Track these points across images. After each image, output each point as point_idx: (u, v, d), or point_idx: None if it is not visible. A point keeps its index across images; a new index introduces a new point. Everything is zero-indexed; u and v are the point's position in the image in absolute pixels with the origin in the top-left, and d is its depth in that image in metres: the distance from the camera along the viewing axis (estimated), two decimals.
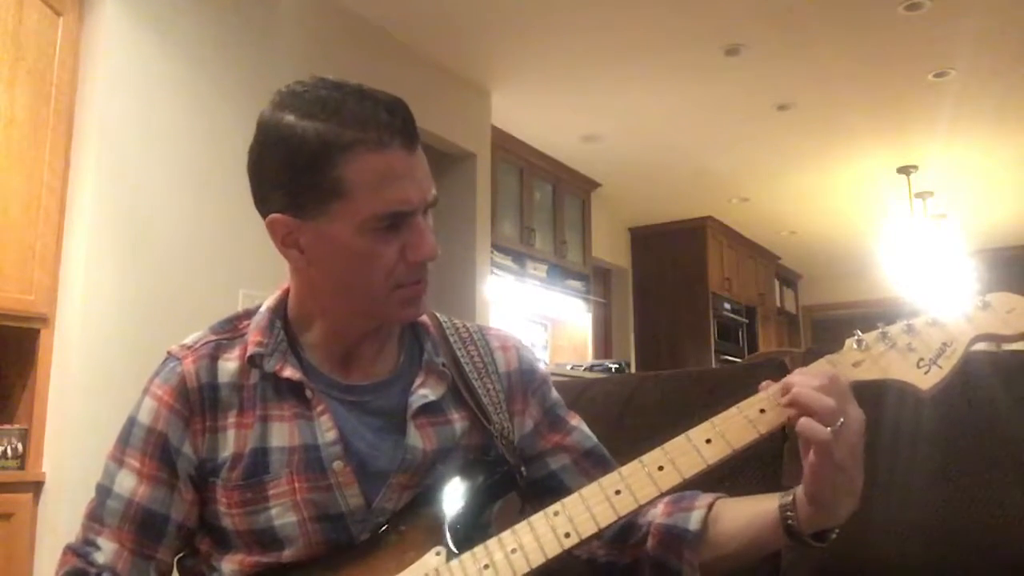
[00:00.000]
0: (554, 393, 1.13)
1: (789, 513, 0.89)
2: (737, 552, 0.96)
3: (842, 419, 0.82)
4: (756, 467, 1.23)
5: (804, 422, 0.83)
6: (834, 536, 0.90)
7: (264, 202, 0.95)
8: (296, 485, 0.95)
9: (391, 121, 0.90)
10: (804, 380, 0.85)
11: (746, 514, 0.95)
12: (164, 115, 2.97)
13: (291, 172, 0.91)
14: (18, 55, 2.65)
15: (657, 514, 1.01)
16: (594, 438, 1.11)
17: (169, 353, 1.02)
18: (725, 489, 1.03)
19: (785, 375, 0.90)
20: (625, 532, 1.03)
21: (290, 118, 0.90)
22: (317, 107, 0.90)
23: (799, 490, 0.89)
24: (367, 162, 0.89)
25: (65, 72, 2.78)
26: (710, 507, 0.99)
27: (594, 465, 1.06)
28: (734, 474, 1.02)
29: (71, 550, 0.98)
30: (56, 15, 2.77)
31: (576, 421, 1.12)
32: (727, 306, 7.08)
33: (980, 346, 0.88)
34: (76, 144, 2.79)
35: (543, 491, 1.02)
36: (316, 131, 0.89)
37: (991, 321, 0.87)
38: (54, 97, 2.74)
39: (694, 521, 0.98)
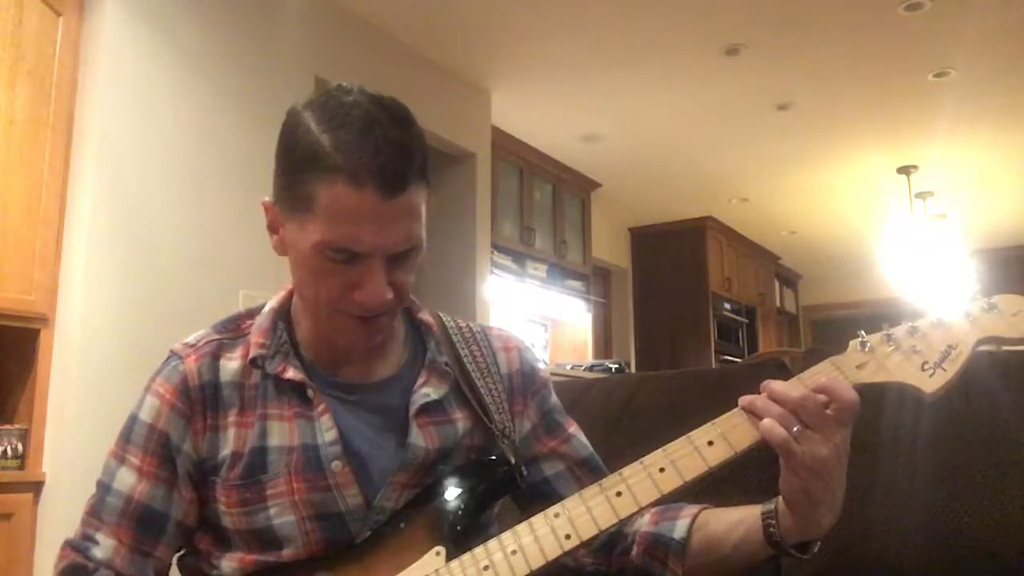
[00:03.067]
0: (553, 397, 1.13)
1: (770, 521, 0.89)
2: (721, 560, 0.95)
3: (797, 427, 0.83)
4: (756, 470, 1.23)
5: (764, 423, 0.84)
6: (815, 549, 0.90)
7: (272, 183, 0.96)
8: (294, 485, 0.95)
9: (380, 163, 0.87)
10: (763, 403, 0.87)
11: (729, 522, 0.95)
12: (164, 115, 2.97)
13: (284, 167, 0.92)
14: (18, 55, 2.65)
15: (643, 523, 1.01)
16: (590, 448, 1.11)
17: (172, 351, 1.02)
18: (724, 491, 1.03)
19: (785, 375, 0.90)
20: (612, 542, 1.04)
21: (307, 116, 0.91)
22: (327, 116, 0.89)
23: (780, 501, 0.89)
24: (337, 192, 0.87)
25: (65, 72, 2.78)
26: (695, 516, 0.99)
27: (588, 474, 1.06)
28: (734, 476, 1.02)
29: (70, 545, 0.98)
30: (56, 15, 2.77)
31: (574, 429, 1.12)
32: (727, 306, 7.08)
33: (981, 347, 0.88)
34: (76, 144, 2.78)
35: (535, 496, 1.02)
36: (311, 140, 0.89)
37: (997, 323, 0.86)
38: (54, 97, 2.74)
39: (679, 530, 0.98)
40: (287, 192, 0.92)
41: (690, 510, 1.00)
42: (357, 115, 0.89)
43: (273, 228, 0.97)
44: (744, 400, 0.88)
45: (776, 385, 0.87)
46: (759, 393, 0.89)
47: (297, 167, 0.90)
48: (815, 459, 0.83)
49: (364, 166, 0.86)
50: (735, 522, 0.94)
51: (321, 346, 1.02)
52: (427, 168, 0.93)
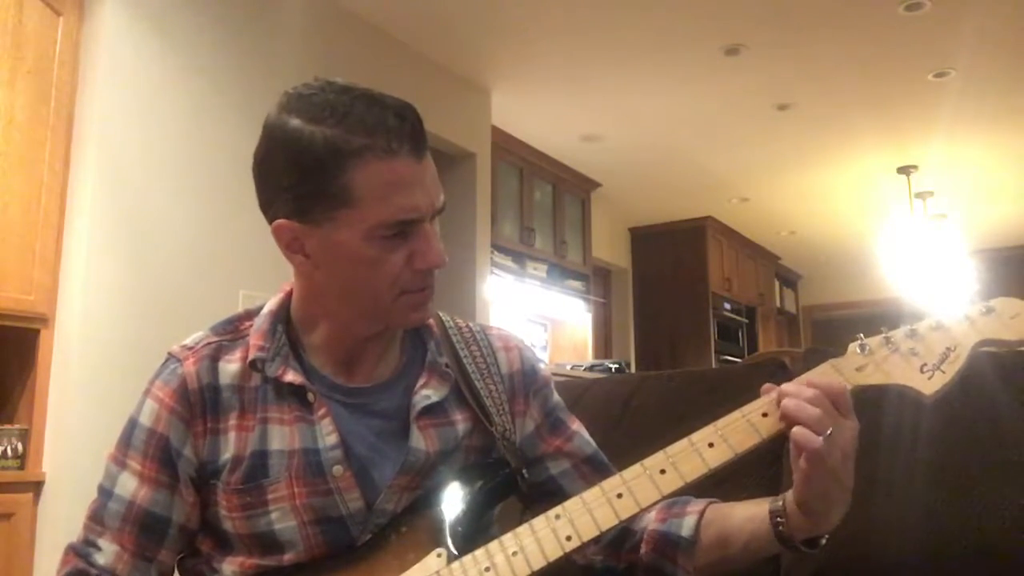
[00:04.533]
0: (555, 396, 1.13)
1: (779, 519, 0.90)
2: (731, 557, 0.96)
3: (831, 429, 0.83)
4: (757, 469, 1.23)
5: (797, 431, 0.83)
6: (823, 542, 0.90)
7: (269, 206, 0.94)
8: (295, 490, 0.95)
9: (400, 127, 0.89)
10: (795, 390, 0.86)
11: (738, 520, 0.95)
12: (164, 115, 2.97)
13: (297, 177, 0.90)
14: (18, 55, 2.65)
15: (651, 520, 1.01)
16: (594, 444, 1.11)
17: (170, 354, 1.02)
18: (725, 491, 1.03)
19: (785, 375, 0.90)
20: (620, 538, 1.03)
21: (297, 122, 0.89)
22: (325, 111, 0.89)
23: (789, 496, 0.89)
24: (375, 169, 0.88)
25: (65, 72, 2.78)
26: (702, 513, 0.99)
27: (594, 471, 1.06)
28: (735, 476, 1.02)
29: (72, 550, 0.98)
30: (56, 15, 2.77)
31: (577, 426, 1.12)
32: (727, 306, 7.08)
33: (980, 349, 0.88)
34: (76, 144, 2.78)
35: (541, 495, 1.02)
36: (323, 136, 0.88)
37: (994, 326, 0.87)
38: (54, 97, 2.74)
39: (687, 527, 0.98)
40: (312, 199, 0.90)
41: (696, 506, 1.00)
42: (350, 99, 0.90)
43: (295, 248, 0.94)
44: (780, 410, 0.86)
45: (820, 379, 0.86)
46: (759, 394, 0.89)
47: (317, 170, 0.89)
48: (839, 461, 0.83)
49: (390, 135, 0.88)
50: (744, 520, 0.94)
51: (334, 349, 1.01)
52: None
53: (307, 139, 0.88)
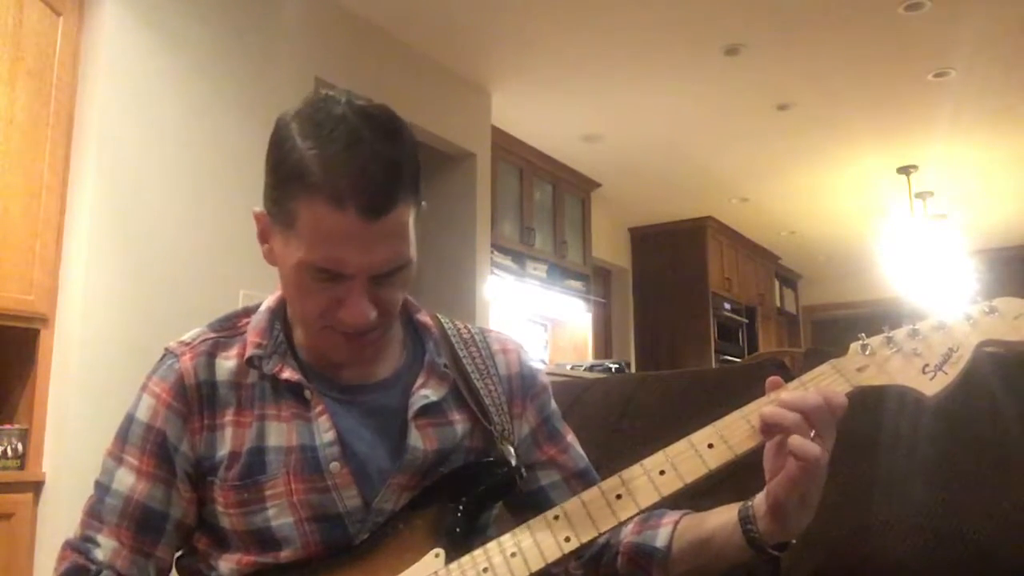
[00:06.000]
0: (553, 403, 1.13)
1: (750, 527, 0.90)
2: (705, 565, 0.96)
3: (812, 433, 0.83)
4: (755, 470, 1.23)
5: (795, 439, 0.83)
6: (793, 543, 0.91)
7: (263, 193, 0.96)
8: (293, 486, 0.95)
9: (362, 180, 0.85)
10: (783, 415, 0.86)
11: (711, 528, 0.95)
12: (164, 115, 2.97)
13: (272, 180, 0.92)
14: (18, 55, 2.65)
15: (627, 532, 1.02)
16: (586, 459, 1.12)
17: (167, 349, 1.02)
18: (725, 492, 1.03)
19: (785, 374, 0.90)
20: (599, 552, 1.04)
21: (294, 127, 0.90)
22: (315, 129, 0.88)
23: (758, 501, 0.90)
24: (318, 212, 0.86)
25: (65, 72, 2.77)
26: (676, 524, 0.99)
27: (583, 487, 1.05)
28: (733, 478, 1.02)
29: (70, 546, 0.98)
30: (56, 15, 2.77)
31: (571, 438, 1.12)
32: (727, 306, 7.08)
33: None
34: (76, 144, 2.78)
35: (529, 505, 1.02)
36: (299, 156, 0.87)
37: (998, 326, 0.86)
38: (54, 97, 2.74)
39: (661, 539, 0.99)
40: (274, 206, 0.91)
41: (671, 517, 1.00)
42: (343, 130, 0.87)
43: (263, 238, 0.96)
44: (758, 421, 0.86)
45: (789, 395, 0.86)
46: (764, 389, 0.89)
47: (282, 182, 0.89)
48: (823, 467, 0.84)
49: (346, 187, 0.84)
50: (716, 528, 0.94)
51: (317, 351, 1.01)
52: (418, 181, 0.91)
53: (288, 150, 0.89)
